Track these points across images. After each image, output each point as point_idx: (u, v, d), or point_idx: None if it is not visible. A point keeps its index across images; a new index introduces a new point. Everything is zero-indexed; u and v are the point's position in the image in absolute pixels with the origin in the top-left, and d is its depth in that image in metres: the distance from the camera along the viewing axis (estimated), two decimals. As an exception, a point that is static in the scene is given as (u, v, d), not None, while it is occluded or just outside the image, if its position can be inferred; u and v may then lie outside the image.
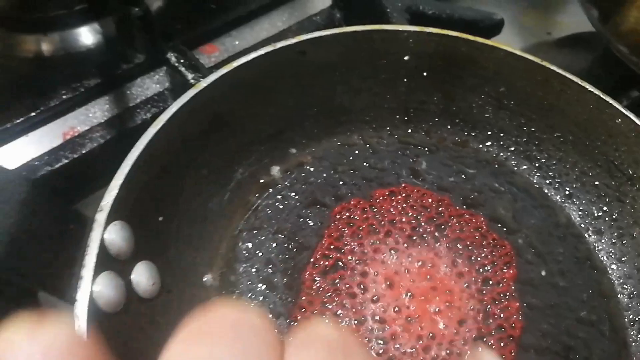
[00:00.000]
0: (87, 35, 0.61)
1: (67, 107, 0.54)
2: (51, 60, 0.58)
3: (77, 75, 0.55)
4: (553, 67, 0.45)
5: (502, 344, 0.40)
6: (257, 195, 0.46)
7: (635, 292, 0.43)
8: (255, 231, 0.44)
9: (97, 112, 0.54)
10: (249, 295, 0.41)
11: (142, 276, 0.37)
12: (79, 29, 0.61)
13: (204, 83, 0.42)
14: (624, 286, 0.43)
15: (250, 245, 0.43)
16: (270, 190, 0.46)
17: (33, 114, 0.52)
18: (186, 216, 0.41)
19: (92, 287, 0.32)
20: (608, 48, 0.63)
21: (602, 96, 0.44)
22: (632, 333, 0.41)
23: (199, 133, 0.42)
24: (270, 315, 0.40)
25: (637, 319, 0.42)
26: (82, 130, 0.52)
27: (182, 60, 0.54)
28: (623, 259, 0.44)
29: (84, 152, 0.50)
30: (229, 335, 0.16)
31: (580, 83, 0.44)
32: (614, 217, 0.45)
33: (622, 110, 0.43)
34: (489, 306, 0.42)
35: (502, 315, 0.41)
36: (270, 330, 0.16)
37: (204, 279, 0.41)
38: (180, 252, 0.41)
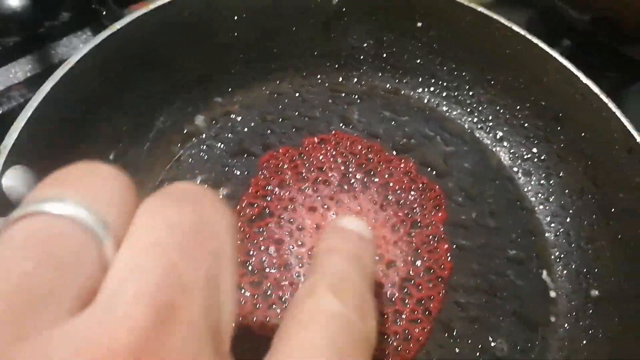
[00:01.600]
0: (12, -4, 0.57)
1: (-16, 68, 0.51)
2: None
3: (-4, 34, 0.52)
4: (480, 9, 0.44)
5: (430, 285, 0.40)
6: (179, 145, 0.44)
7: (561, 230, 0.43)
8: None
9: (18, 72, 0.51)
10: (170, 245, 0.40)
11: (49, 225, 0.35)
12: (2, -10, 0.57)
13: (118, 25, 0.39)
14: (551, 224, 0.43)
15: (172, 195, 0.42)
16: (194, 140, 0.44)
17: (-56, 73, 0.49)
18: (101, 165, 0.39)
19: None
20: (545, 3, 0.63)
21: (528, 36, 0.43)
22: (557, 269, 0.41)
23: (115, 76, 0.40)
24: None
25: (562, 256, 0.42)
26: (0, 89, 0.49)
27: (104, 13, 0.52)
28: (550, 198, 0.44)
29: (1, 111, 0.48)
30: (190, 199, 0.17)
31: (506, 24, 0.44)
32: (542, 157, 0.45)
33: (548, 50, 0.43)
34: (418, 249, 0.41)
35: (431, 258, 0.41)
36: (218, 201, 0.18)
37: (122, 230, 0.39)
38: (95, 202, 0.39)
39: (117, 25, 0.40)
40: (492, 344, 0.38)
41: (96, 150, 0.39)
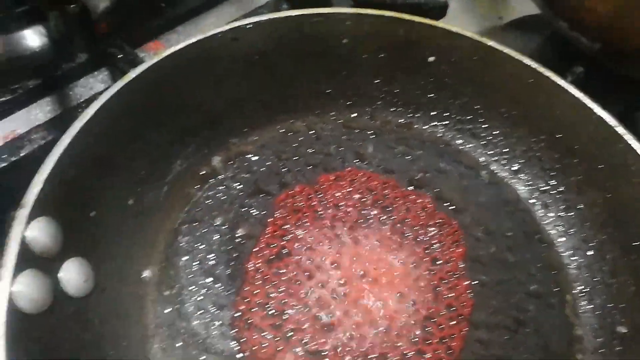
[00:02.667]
0: (32, 38, 0.59)
1: (6, 110, 0.52)
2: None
3: (17, 77, 0.53)
4: (490, 43, 0.45)
5: (452, 323, 0.40)
6: (197, 187, 0.44)
7: (583, 263, 0.42)
8: (196, 224, 0.43)
9: (38, 113, 0.52)
10: (191, 288, 0.40)
11: (72, 273, 0.35)
12: (22, 31, 0.59)
13: (133, 74, 0.40)
14: (572, 258, 0.43)
15: (190, 238, 0.42)
16: (211, 181, 0.45)
17: (-33, 119, 0.50)
18: (121, 211, 0.40)
19: (12, 287, 0.31)
20: (554, 29, 0.63)
21: (538, 69, 0.44)
22: (581, 304, 0.41)
23: (131, 124, 0.40)
24: (214, 308, 0.39)
25: (585, 290, 0.41)
26: (22, 132, 0.50)
27: (120, 56, 0.53)
28: (570, 230, 0.44)
29: (23, 154, 0.48)
30: None
31: (516, 57, 0.44)
32: (560, 189, 0.45)
33: (559, 82, 0.43)
34: (438, 286, 0.41)
35: (451, 294, 0.41)
36: None
37: (142, 275, 0.40)
38: (116, 247, 0.39)
39: (132, 74, 0.40)
40: (517, 384, 0.37)
41: (116, 197, 0.40)
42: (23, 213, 0.33)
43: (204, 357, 0.37)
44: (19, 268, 0.31)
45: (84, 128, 0.37)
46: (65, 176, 0.35)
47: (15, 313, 0.30)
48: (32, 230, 0.33)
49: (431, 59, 0.47)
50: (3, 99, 0.51)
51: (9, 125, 0.51)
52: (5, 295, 0.30)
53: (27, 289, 0.32)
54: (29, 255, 0.32)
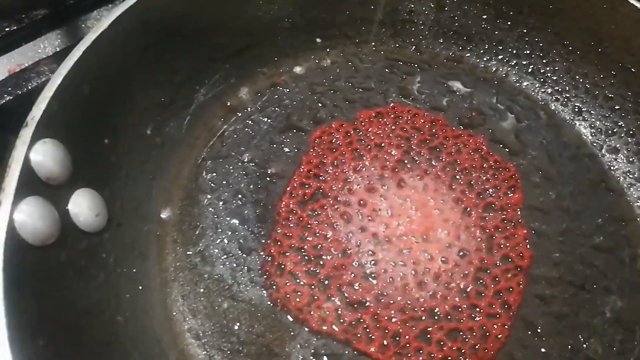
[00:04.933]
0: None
1: (11, 42, 0.47)
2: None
3: (23, 7, 0.48)
4: (560, -37, 0.39)
5: (508, 276, 0.35)
6: (222, 119, 0.40)
7: (657, 214, 0.38)
8: (222, 159, 0.38)
9: (47, 47, 0.48)
10: (215, 229, 0.35)
11: (83, 206, 0.31)
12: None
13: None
14: (645, 208, 0.38)
15: (215, 174, 0.37)
16: (239, 114, 0.40)
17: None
18: (138, 140, 0.35)
19: (14, 214, 0.26)
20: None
21: (617, -8, 0.38)
22: (655, 259, 0.36)
23: (151, 43, 0.35)
24: (241, 252, 0.35)
25: (661, 243, 0.37)
26: (28, 65, 0.46)
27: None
28: (643, 178, 0.39)
29: (30, 87, 0.44)
30: None
31: (591, -21, 0.39)
32: (631, 132, 0.40)
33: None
34: (492, 235, 0.36)
35: (507, 244, 0.36)
36: None
37: (162, 212, 0.35)
38: (132, 181, 0.34)
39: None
40: (584, 345, 0.33)
41: (132, 123, 0.35)
42: (27, 132, 0.28)
43: (229, 304, 0.33)
44: (21, 194, 0.27)
45: (96, 43, 0.32)
46: (75, 94, 0.31)
47: (17, 244, 0.26)
48: (37, 152, 0.29)
49: (487, -17, 0.42)
50: (8, 29, 0.47)
51: (16, 58, 0.46)
52: (5, 223, 0.26)
53: (31, 218, 0.27)
54: (33, 181, 0.28)
